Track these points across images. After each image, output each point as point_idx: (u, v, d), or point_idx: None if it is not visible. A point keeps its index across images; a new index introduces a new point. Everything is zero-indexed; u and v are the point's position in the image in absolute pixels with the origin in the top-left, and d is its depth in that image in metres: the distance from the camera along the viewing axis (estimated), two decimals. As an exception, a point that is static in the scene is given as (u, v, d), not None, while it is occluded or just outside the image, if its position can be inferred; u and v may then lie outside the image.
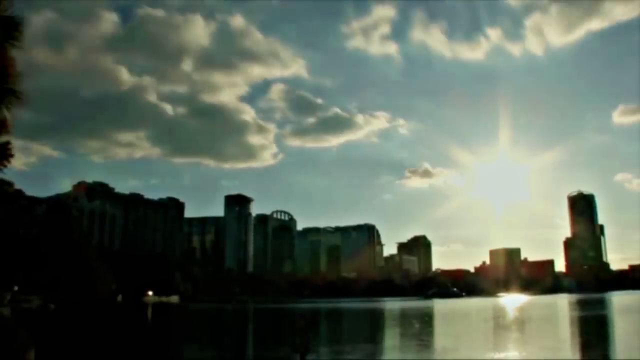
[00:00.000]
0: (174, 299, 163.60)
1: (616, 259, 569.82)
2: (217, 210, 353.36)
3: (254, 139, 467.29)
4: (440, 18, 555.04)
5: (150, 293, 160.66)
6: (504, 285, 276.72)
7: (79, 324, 51.28)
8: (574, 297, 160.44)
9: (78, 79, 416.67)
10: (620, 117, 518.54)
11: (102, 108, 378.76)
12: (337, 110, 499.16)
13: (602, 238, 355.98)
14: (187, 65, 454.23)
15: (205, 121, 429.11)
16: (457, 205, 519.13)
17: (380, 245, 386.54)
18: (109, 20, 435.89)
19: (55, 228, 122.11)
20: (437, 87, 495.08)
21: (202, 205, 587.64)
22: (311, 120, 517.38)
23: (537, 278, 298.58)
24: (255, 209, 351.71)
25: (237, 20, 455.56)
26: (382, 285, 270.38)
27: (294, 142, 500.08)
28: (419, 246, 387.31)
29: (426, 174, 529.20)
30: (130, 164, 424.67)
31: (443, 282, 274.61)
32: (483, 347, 27.60)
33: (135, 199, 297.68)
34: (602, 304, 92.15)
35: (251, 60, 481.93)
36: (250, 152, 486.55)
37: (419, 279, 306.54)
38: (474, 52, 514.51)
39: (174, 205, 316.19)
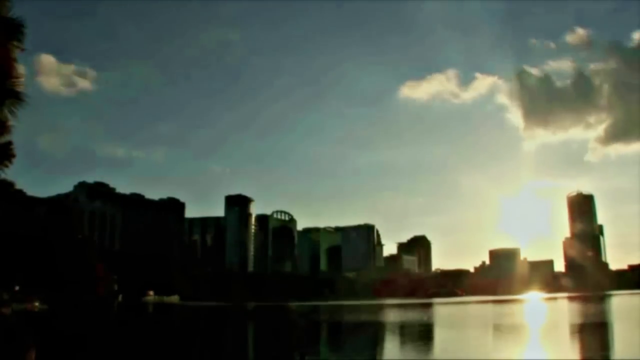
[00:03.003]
0: (175, 299, 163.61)
1: (615, 259, 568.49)
2: (218, 210, 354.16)
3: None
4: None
5: (151, 293, 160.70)
6: (504, 285, 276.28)
7: (78, 324, 51.38)
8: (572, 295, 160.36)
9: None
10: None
11: None
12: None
13: (601, 238, 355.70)
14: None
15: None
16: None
17: (380, 245, 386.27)
18: None
19: (56, 228, 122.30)
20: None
21: (203, 205, 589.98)
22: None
23: (537, 278, 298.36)
24: (255, 209, 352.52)
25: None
26: (383, 285, 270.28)
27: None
28: (419, 246, 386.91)
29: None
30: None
31: (443, 282, 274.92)
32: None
33: (136, 200, 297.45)
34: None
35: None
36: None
37: (419, 278, 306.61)
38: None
39: (175, 206, 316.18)
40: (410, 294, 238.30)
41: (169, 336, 37.63)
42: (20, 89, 8.84)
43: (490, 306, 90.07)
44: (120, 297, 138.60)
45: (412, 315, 61.76)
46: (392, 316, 62.64)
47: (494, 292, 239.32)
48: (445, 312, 76.16)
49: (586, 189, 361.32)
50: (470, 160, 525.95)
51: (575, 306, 77.50)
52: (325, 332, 42.37)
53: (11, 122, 9.04)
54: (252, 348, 29.93)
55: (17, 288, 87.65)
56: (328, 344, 31.48)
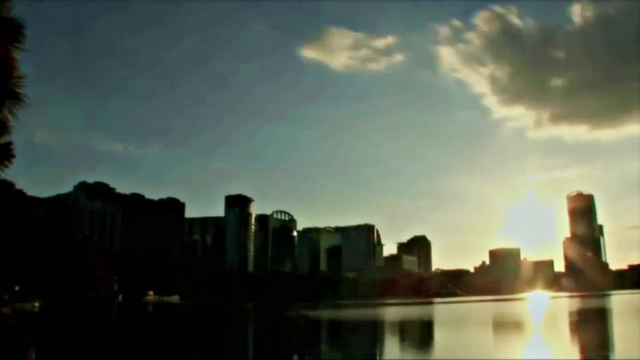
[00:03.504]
0: (175, 298, 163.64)
1: (615, 259, 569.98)
2: (218, 210, 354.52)
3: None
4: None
5: (151, 293, 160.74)
6: (505, 285, 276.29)
7: (78, 324, 51.41)
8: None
9: None
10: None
11: None
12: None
13: (601, 238, 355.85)
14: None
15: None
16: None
17: (380, 245, 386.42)
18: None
19: (56, 228, 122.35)
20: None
21: (203, 205, 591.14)
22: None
23: (537, 278, 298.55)
24: (255, 209, 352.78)
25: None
26: (385, 285, 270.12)
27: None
28: (419, 246, 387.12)
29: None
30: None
31: (444, 282, 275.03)
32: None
33: (136, 199, 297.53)
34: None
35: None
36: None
37: (420, 278, 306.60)
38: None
39: (175, 206, 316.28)
40: (414, 294, 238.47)
41: (168, 336, 37.67)
42: (21, 89, 8.84)
43: (500, 305, 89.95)
44: (120, 297, 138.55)
45: (419, 313, 62.37)
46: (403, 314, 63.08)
47: (494, 292, 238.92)
48: (450, 310, 76.38)
49: (582, 179, 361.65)
50: (467, 159, 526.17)
51: (590, 304, 77.87)
52: (325, 331, 42.42)
53: (11, 122, 9.04)
54: (252, 347, 29.97)
55: (17, 288, 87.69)
56: (329, 343, 31.54)
